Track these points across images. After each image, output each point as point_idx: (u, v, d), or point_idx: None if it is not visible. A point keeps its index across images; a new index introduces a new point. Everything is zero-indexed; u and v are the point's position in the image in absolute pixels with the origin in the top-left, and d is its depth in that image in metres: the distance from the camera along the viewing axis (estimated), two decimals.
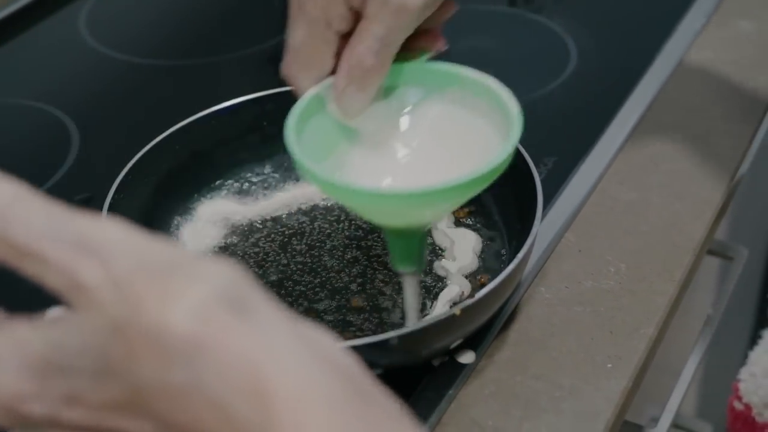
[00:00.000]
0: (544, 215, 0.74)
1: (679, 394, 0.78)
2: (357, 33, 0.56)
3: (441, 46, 0.61)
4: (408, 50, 0.59)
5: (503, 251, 0.71)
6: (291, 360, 0.33)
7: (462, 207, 0.74)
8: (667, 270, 0.72)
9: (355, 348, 0.57)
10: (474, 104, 0.58)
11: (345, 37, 0.57)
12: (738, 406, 0.52)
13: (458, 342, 0.63)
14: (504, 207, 0.73)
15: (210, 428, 0.33)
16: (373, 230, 0.73)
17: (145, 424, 0.34)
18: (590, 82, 0.93)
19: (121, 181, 0.69)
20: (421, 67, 0.60)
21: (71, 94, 0.95)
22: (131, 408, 0.34)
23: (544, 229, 0.74)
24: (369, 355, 0.58)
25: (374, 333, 0.64)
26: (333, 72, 0.58)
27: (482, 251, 0.71)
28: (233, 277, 0.34)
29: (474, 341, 0.64)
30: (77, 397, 0.34)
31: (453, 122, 0.59)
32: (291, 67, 0.58)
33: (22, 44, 1.04)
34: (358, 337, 0.63)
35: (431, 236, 0.72)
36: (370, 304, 0.67)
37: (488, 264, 0.70)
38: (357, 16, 0.56)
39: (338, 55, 0.57)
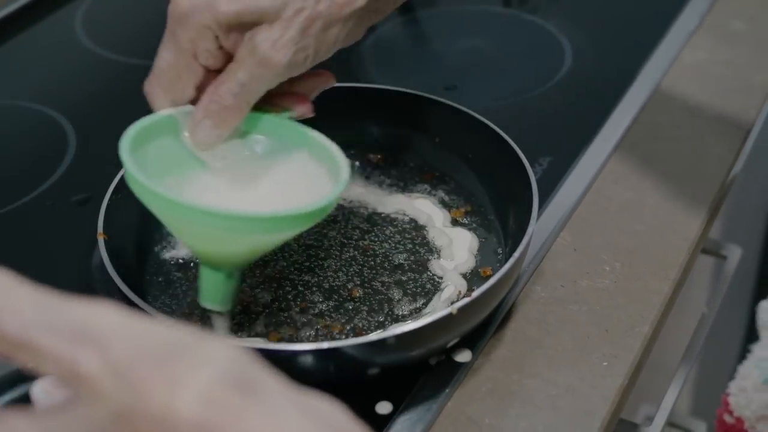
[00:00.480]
0: (539, 215, 0.75)
1: (674, 393, 0.78)
2: (224, 72, 0.59)
3: (307, 111, 0.64)
4: (273, 105, 0.62)
5: (499, 250, 0.71)
6: None
7: (458, 207, 0.75)
8: (661, 269, 0.73)
9: (353, 347, 0.57)
10: (320, 165, 0.62)
11: (215, 73, 0.60)
12: (729, 419, 0.52)
13: (455, 341, 0.63)
14: (500, 206, 0.73)
15: None
16: (370, 230, 0.73)
17: None
18: (585, 83, 0.93)
19: (119, 182, 0.69)
20: (279, 121, 0.63)
21: (68, 95, 0.95)
22: None
23: (539, 228, 0.74)
24: (367, 355, 0.58)
25: (372, 332, 0.65)
26: (192, 103, 0.60)
27: (479, 250, 0.71)
28: (237, 357, 0.34)
29: (471, 340, 0.65)
30: None
31: (297, 178, 0.62)
32: (152, 85, 0.60)
33: (18, 45, 1.04)
34: (356, 336, 0.64)
35: (429, 235, 0.72)
36: (367, 303, 0.67)
37: (484, 263, 0.70)
38: (229, 57, 0.59)
39: (201, 89, 0.60)
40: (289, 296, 0.68)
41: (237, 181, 0.62)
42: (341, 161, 0.60)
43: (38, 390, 0.36)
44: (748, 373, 0.50)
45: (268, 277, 0.69)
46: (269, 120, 0.62)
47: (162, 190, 0.55)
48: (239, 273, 0.62)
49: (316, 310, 0.67)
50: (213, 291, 0.61)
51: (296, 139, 0.63)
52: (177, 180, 0.60)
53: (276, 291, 0.68)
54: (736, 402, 0.51)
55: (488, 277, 0.68)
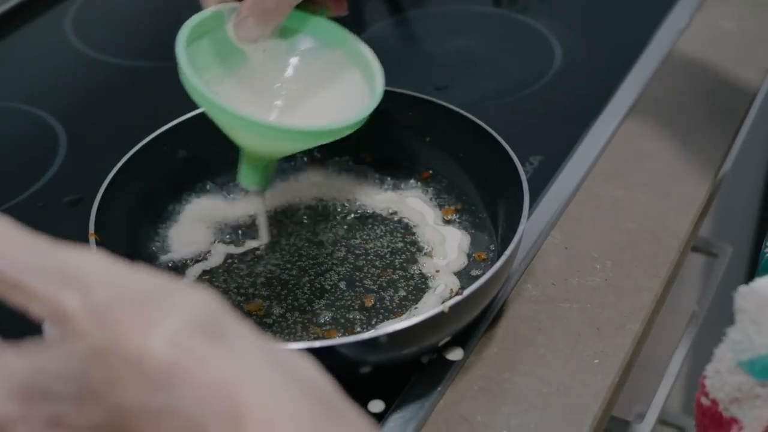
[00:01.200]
0: (530, 213, 0.75)
1: (665, 390, 0.78)
2: None
3: (342, 10, 0.68)
4: (313, 3, 0.66)
5: (491, 248, 0.71)
6: (264, 383, 0.34)
7: (450, 205, 0.75)
8: (652, 267, 0.73)
9: (345, 346, 0.57)
10: (354, 67, 0.66)
11: None
12: (705, 401, 0.52)
13: (447, 339, 0.63)
14: (491, 205, 0.73)
15: None
16: (361, 229, 0.73)
17: None
18: (575, 81, 0.94)
19: (110, 183, 0.69)
20: (318, 21, 0.67)
21: (58, 96, 0.95)
22: (113, 431, 0.35)
23: (530, 226, 0.74)
24: (359, 353, 0.59)
25: (363, 331, 0.65)
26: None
27: (470, 249, 0.71)
28: (209, 304, 0.36)
29: (462, 338, 0.65)
30: (61, 420, 0.36)
31: (332, 77, 0.67)
32: None
33: (8, 47, 1.04)
34: (347, 334, 0.64)
35: (420, 234, 0.72)
36: (358, 302, 0.67)
37: (477, 260, 0.70)
38: None
39: None
40: (281, 295, 0.68)
41: (276, 75, 0.66)
42: (376, 69, 0.65)
43: (47, 326, 0.39)
44: (723, 355, 0.51)
45: (258, 275, 0.69)
46: (308, 19, 0.67)
47: (211, 95, 0.59)
48: (276, 162, 0.68)
49: (308, 310, 0.67)
50: (252, 175, 0.66)
51: (334, 38, 0.67)
52: (222, 71, 0.64)
53: (266, 289, 0.68)
54: (711, 384, 0.51)
55: (483, 261, 0.69)
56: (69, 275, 0.35)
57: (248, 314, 0.66)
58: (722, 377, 0.50)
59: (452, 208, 0.75)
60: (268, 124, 0.61)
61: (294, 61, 0.67)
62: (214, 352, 0.34)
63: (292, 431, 0.34)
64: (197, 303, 0.36)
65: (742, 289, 0.50)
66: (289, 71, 0.67)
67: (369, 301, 0.67)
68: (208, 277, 0.70)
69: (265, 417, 0.34)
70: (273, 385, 0.35)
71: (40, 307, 0.36)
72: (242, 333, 0.36)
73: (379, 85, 0.64)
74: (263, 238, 0.71)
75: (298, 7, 0.65)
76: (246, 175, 0.67)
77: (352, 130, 0.63)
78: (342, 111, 0.63)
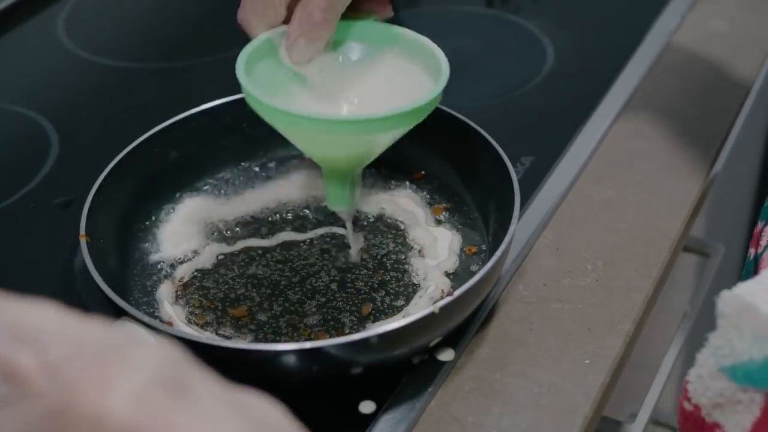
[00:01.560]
0: (521, 214, 0.75)
1: (657, 390, 0.78)
2: None
3: (387, 12, 0.68)
4: (357, 12, 0.66)
5: (483, 247, 0.71)
6: None
7: (439, 203, 0.75)
8: (643, 267, 0.73)
9: (336, 347, 0.57)
10: (413, 61, 0.66)
11: None
12: (688, 406, 0.52)
13: (438, 340, 0.63)
14: (482, 205, 0.73)
15: None
16: (353, 230, 0.73)
17: None
18: (567, 82, 0.94)
19: (101, 184, 0.69)
20: (367, 25, 0.67)
21: (50, 97, 0.95)
22: None
23: (521, 227, 0.74)
24: (350, 354, 0.58)
25: (354, 332, 0.65)
26: (284, 22, 0.65)
27: (461, 249, 0.71)
28: (170, 359, 0.34)
29: (453, 339, 0.65)
30: None
31: (393, 77, 0.66)
32: (246, 12, 0.64)
33: (0, 48, 1.04)
34: (338, 335, 0.64)
35: (412, 234, 0.73)
36: (350, 303, 0.67)
37: (467, 262, 0.70)
38: None
39: (290, 8, 0.64)
40: (272, 296, 0.68)
41: (338, 89, 0.66)
42: (436, 52, 0.65)
43: None
44: (705, 360, 0.51)
45: (249, 276, 0.69)
46: (357, 26, 0.67)
47: (281, 105, 0.60)
48: (359, 176, 0.68)
49: (299, 310, 0.67)
50: (337, 195, 0.67)
51: (386, 38, 0.67)
52: (282, 97, 0.64)
53: (257, 290, 0.68)
54: (694, 389, 0.52)
55: (473, 255, 0.69)
56: (22, 331, 0.33)
57: (235, 317, 0.66)
58: (704, 382, 0.51)
59: (442, 206, 0.75)
60: (340, 119, 0.62)
61: (352, 70, 0.67)
62: (178, 409, 0.33)
63: None
64: (159, 357, 0.34)
65: (724, 294, 0.50)
66: (350, 82, 0.67)
67: (360, 301, 0.67)
68: (200, 276, 0.70)
69: None
70: None
71: None
72: (207, 387, 0.35)
73: (444, 67, 0.63)
74: (354, 255, 0.71)
75: (344, 17, 0.65)
76: (332, 196, 0.67)
77: (424, 115, 0.62)
78: (405, 98, 0.62)
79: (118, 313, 0.60)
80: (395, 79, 0.66)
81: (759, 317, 0.48)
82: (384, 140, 0.64)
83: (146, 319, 0.58)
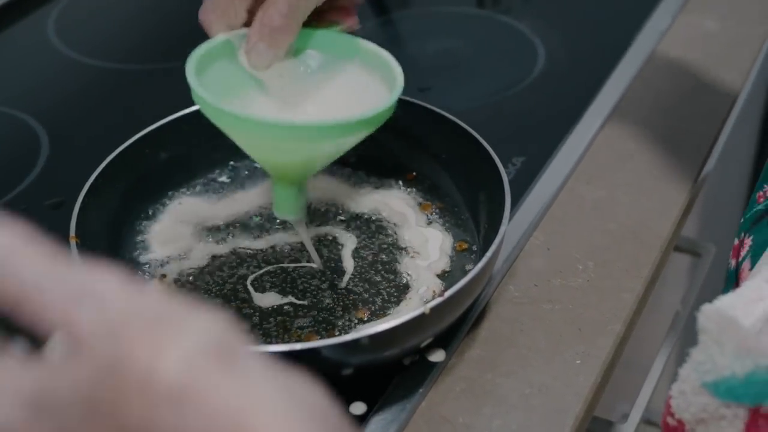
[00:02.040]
0: (512, 214, 0.75)
1: (649, 390, 0.79)
2: None
3: (353, 23, 0.68)
4: (321, 20, 0.66)
5: (474, 248, 0.71)
6: (272, 411, 0.34)
7: (429, 201, 0.75)
8: (634, 267, 0.73)
9: (326, 348, 0.57)
10: (372, 73, 0.66)
11: None
12: (671, 421, 0.52)
13: (428, 341, 0.63)
14: (473, 206, 0.73)
15: None
16: (344, 231, 0.73)
17: None
18: (558, 83, 0.94)
19: (92, 185, 0.69)
20: (330, 35, 0.66)
21: (40, 99, 0.95)
22: None
23: (512, 228, 0.74)
24: (340, 355, 0.58)
25: (345, 333, 0.65)
26: (245, 25, 0.64)
27: (452, 250, 0.71)
28: (222, 330, 0.35)
29: (444, 340, 0.65)
30: None
31: (352, 88, 0.66)
32: (207, 13, 0.64)
33: None
34: (329, 336, 0.64)
35: (403, 235, 0.72)
36: (341, 304, 0.67)
37: (458, 263, 0.70)
38: None
39: (252, 12, 0.63)
40: (263, 296, 0.68)
41: (295, 96, 0.65)
42: (394, 66, 0.64)
43: (54, 342, 0.37)
44: (687, 375, 0.50)
45: (240, 277, 0.69)
46: (320, 35, 0.66)
47: (228, 107, 0.59)
48: (305, 183, 0.67)
49: (290, 311, 0.67)
50: (285, 202, 0.66)
51: (348, 50, 0.66)
52: (238, 100, 0.63)
53: (247, 291, 0.68)
54: (677, 405, 0.51)
55: (464, 251, 0.69)
56: (84, 292, 0.35)
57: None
58: (687, 398, 0.50)
59: (430, 203, 0.75)
60: (279, 123, 0.60)
61: (312, 79, 0.66)
62: (226, 376, 0.34)
63: None
64: (212, 327, 0.35)
65: (705, 309, 0.49)
66: (309, 91, 0.66)
67: (350, 302, 0.67)
68: (190, 277, 0.69)
69: None
70: (282, 413, 0.34)
71: (50, 325, 0.35)
72: (253, 360, 0.36)
73: (399, 80, 0.63)
74: (317, 263, 0.70)
75: (308, 25, 0.64)
76: (280, 204, 0.67)
77: (370, 127, 0.61)
78: (362, 109, 0.62)
79: None
80: (354, 90, 0.66)
81: (740, 331, 0.48)
82: (329, 149, 0.63)
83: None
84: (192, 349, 0.34)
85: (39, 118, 0.90)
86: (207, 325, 0.35)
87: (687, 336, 0.87)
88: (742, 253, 0.65)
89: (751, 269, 0.64)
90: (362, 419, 0.60)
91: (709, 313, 0.49)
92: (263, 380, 0.35)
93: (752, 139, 1.43)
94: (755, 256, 0.64)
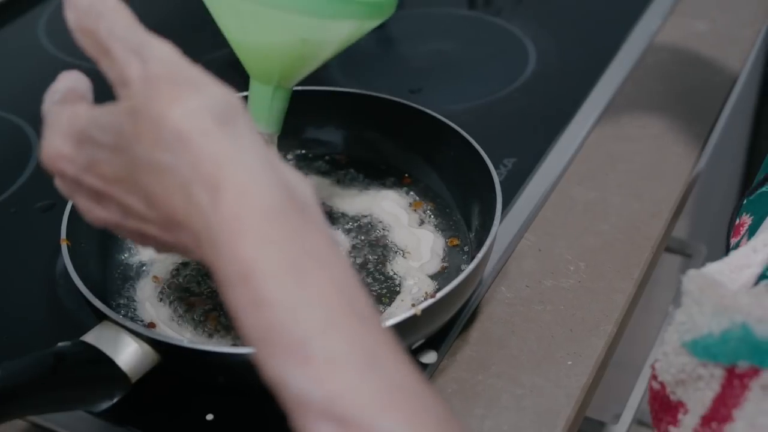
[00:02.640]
0: (504, 216, 0.75)
1: (640, 391, 0.79)
2: None
3: None
4: None
5: (466, 248, 0.71)
6: (248, 169, 0.42)
7: (420, 202, 0.75)
8: (625, 268, 0.73)
9: None
10: None
11: None
12: (655, 385, 0.53)
13: (420, 342, 0.63)
14: (465, 207, 0.73)
15: (175, 203, 0.43)
16: (335, 231, 0.73)
17: (135, 198, 0.45)
18: (549, 84, 0.94)
19: None
20: None
21: (31, 101, 0.94)
22: (127, 184, 0.45)
23: (504, 229, 0.74)
24: None
25: None
26: None
27: (444, 251, 0.72)
28: (231, 100, 0.43)
29: (436, 341, 0.65)
30: (96, 167, 0.46)
31: None
32: None
33: None
34: None
35: (395, 236, 0.72)
36: None
37: (450, 263, 0.71)
38: None
39: None
40: None
41: None
42: None
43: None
44: (669, 337, 0.51)
45: None
46: None
47: None
48: (287, 96, 0.66)
49: None
50: (261, 108, 0.65)
51: None
52: None
53: None
54: (660, 367, 0.52)
55: (455, 246, 0.69)
56: (141, 49, 0.44)
57: (216, 318, 0.66)
58: (669, 359, 0.51)
59: (422, 204, 0.75)
60: None
61: None
62: (218, 134, 0.42)
63: (258, 209, 0.41)
64: (221, 95, 0.43)
65: (690, 272, 0.50)
66: None
67: None
68: (182, 276, 0.69)
69: (239, 192, 0.41)
70: (255, 173, 0.42)
71: (113, 72, 0.45)
72: (248, 130, 0.43)
73: None
74: None
75: None
76: (254, 109, 0.65)
77: (370, 17, 0.60)
78: None
79: (98, 316, 0.59)
80: None
81: (719, 289, 0.49)
82: (314, 36, 0.60)
83: (127, 323, 0.58)
84: (199, 107, 0.42)
85: (30, 120, 0.90)
86: (217, 92, 0.43)
87: None
88: (741, 231, 0.65)
89: None
90: None
91: (692, 275, 0.50)
92: (251, 148, 0.42)
93: (743, 140, 1.43)
94: (752, 233, 0.64)
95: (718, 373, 0.49)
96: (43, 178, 0.84)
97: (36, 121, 0.90)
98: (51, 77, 1.01)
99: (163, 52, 0.44)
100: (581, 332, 0.68)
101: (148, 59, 0.44)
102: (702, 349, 0.49)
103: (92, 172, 0.46)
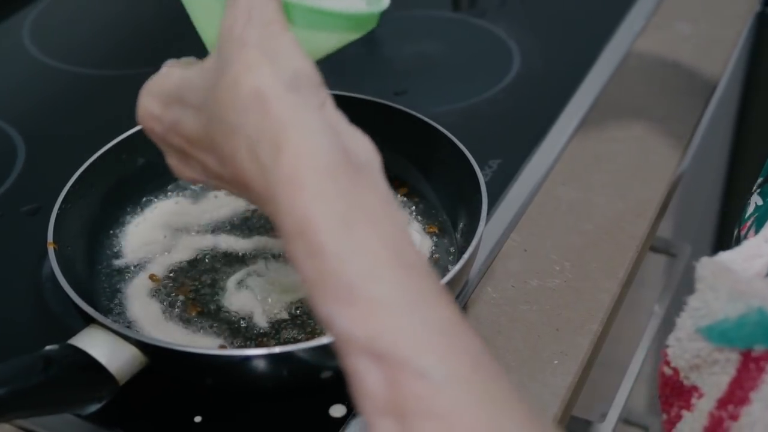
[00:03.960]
0: (489, 216, 0.75)
1: (627, 389, 0.79)
2: None
3: None
4: None
5: (451, 249, 0.72)
6: (308, 132, 0.44)
7: (406, 203, 0.75)
8: (610, 267, 0.74)
9: (306, 351, 0.57)
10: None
11: None
12: (667, 371, 0.53)
13: None
14: (451, 208, 0.74)
15: (243, 164, 0.45)
16: None
17: (211, 158, 0.49)
18: (533, 85, 0.94)
19: (69, 191, 0.69)
20: None
21: (16, 105, 0.95)
22: (205, 143, 0.48)
23: (490, 229, 0.75)
24: (320, 358, 0.59)
25: (324, 335, 0.65)
26: None
27: (431, 251, 0.72)
28: (305, 68, 0.46)
29: None
30: (179, 126, 0.50)
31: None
32: None
33: None
34: (308, 339, 0.64)
35: None
36: None
37: (437, 264, 0.71)
38: None
39: None
40: (245, 296, 0.68)
41: None
42: None
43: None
44: (683, 323, 0.52)
45: (220, 276, 0.69)
46: None
47: None
48: None
49: (273, 311, 0.67)
50: None
51: None
52: None
53: (228, 291, 0.68)
54: (673, 352, 0.52)
55: (433, 234, 0.70)
56: (251, 15, 0.47)
57: (212, 319, 0.66)
58: (683, 345, 0.51)
59: (408, 205, 0.75)
60: None
61: None
62: (285, 99, 0.44)
63: (317, 168, 0.43)
64: (298, 64, 0.46)
65: (704, 259, 0.51)
66: None
67: None
68: (174, 274, 0.69)
69: (299, 153, 0.43)
70: (315, 135, 0.44)
71: (228, 17, 0.47)
72: (317, 98, 0.46)
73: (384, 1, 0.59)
74: None
75: None
76: None
77: (352, 28, 0.57)
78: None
79: (86, 319, 0.59)
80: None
81: (733, 276, 0.49)
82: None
83: (115, 326, 0.58)
84: (272, 74, 0.45)
85: (15, 124, 0.90)
86: (294, 63, 0.46)
87: (664, 335, 0.88)
88: (750, 211, 0.66)
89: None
90: (342, 422, 0.60)
91: (706, 262, 0.51)
92: (314, 111, 0.45)
93: (726, 140, 1.44)
94: (759, 225, 0.64)
95: (734, 357, 0.49)
96: (29, 182, 0.84)
97: (21, 124, 0.90)
98: (35, 81, 1.02)
99: (275, 29, 0.47)
100: (567, 332, 0.68)
101: (253, 28, 0.46)
102: (718, 334, 0.50)
103: (176, 132, 0.50)
